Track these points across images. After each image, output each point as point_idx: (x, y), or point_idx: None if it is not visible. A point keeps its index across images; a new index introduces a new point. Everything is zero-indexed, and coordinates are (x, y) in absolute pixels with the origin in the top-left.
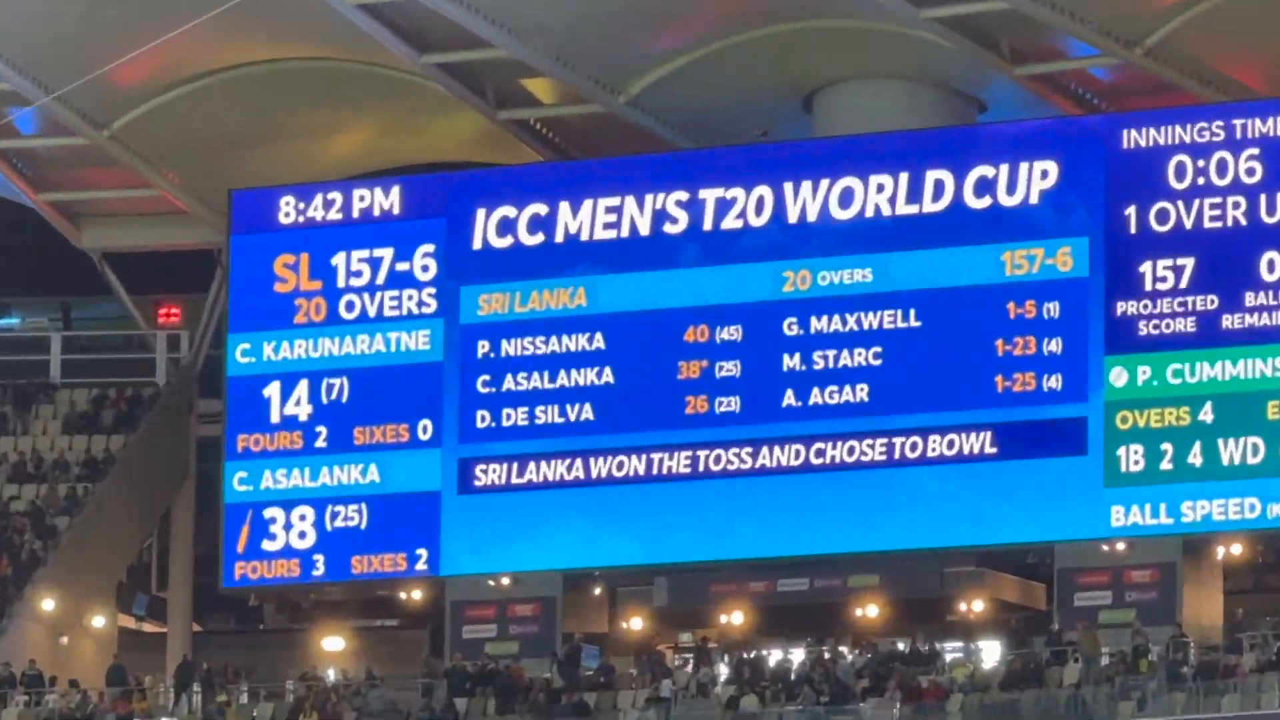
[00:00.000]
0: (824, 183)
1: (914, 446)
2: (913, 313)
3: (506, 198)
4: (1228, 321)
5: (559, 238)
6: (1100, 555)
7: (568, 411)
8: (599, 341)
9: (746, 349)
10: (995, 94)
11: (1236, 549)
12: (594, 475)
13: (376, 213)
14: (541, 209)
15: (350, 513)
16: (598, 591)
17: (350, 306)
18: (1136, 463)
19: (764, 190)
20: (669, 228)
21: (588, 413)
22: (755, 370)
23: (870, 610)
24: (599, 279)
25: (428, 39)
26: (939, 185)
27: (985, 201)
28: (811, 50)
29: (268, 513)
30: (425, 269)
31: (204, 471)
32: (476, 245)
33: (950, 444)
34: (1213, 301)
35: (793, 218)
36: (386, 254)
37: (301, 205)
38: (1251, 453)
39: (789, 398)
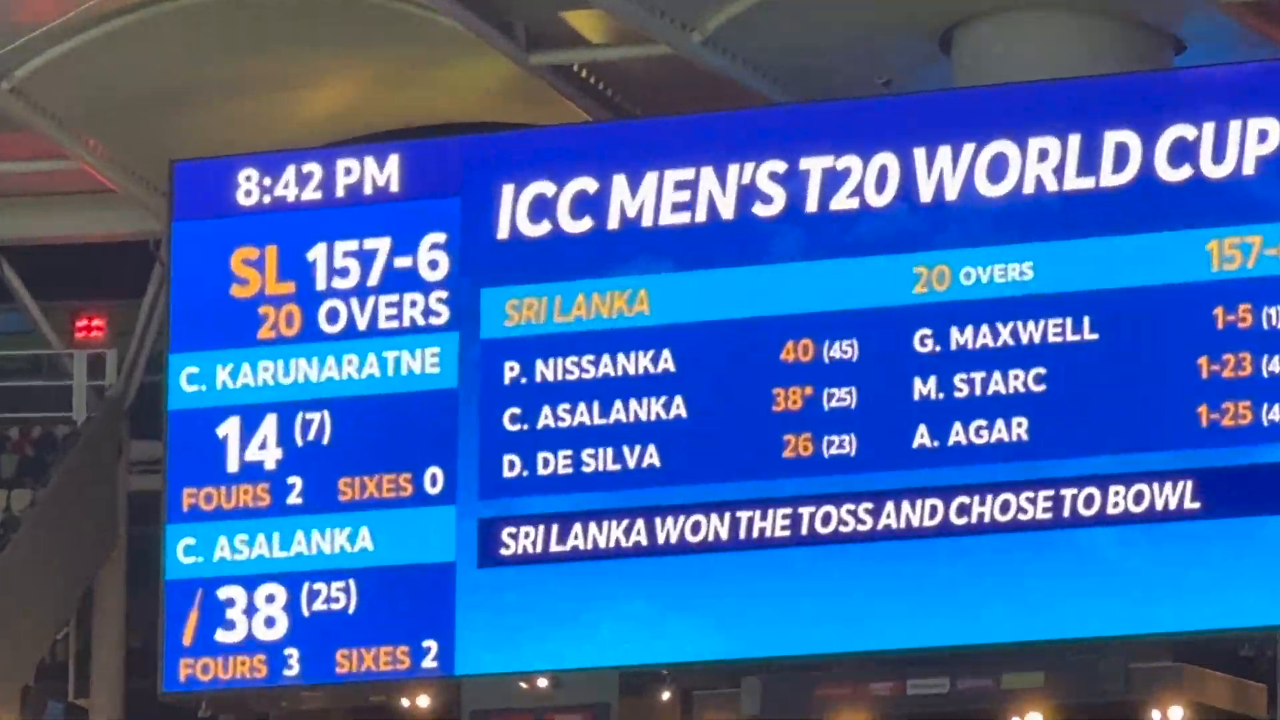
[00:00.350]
0: (967, 148)
1: (1089, 501)
2: (1086, 321)
3: (542, 170)
4: None
5: (613, 223)
6: None
7: (625, 456)
8: (667, 362)
9: (864, 371)
10: (1196, 28)
11: None
12: (660, 541)
13: (368, 190)
14: (589, 185)
15: (335, 592)
16: (667, 696)
17: (333, 316)
18: None
19: (887, 159)
20: (760, 209)
21: (652, 457)
22: (876, 399)
23: (1033, 719)
24: (666, 278)
25: None
26: (1122, 151)
27: (1184, 173)
28: None
29: (224, 592)
30: (434, 265)
31: (137, 537)
32: (502, 234)
33: (1138, 497)
34: None
35: (926, 196)
36: (382, 245)
37: (267, 181)
38: None
39: (921, 436)
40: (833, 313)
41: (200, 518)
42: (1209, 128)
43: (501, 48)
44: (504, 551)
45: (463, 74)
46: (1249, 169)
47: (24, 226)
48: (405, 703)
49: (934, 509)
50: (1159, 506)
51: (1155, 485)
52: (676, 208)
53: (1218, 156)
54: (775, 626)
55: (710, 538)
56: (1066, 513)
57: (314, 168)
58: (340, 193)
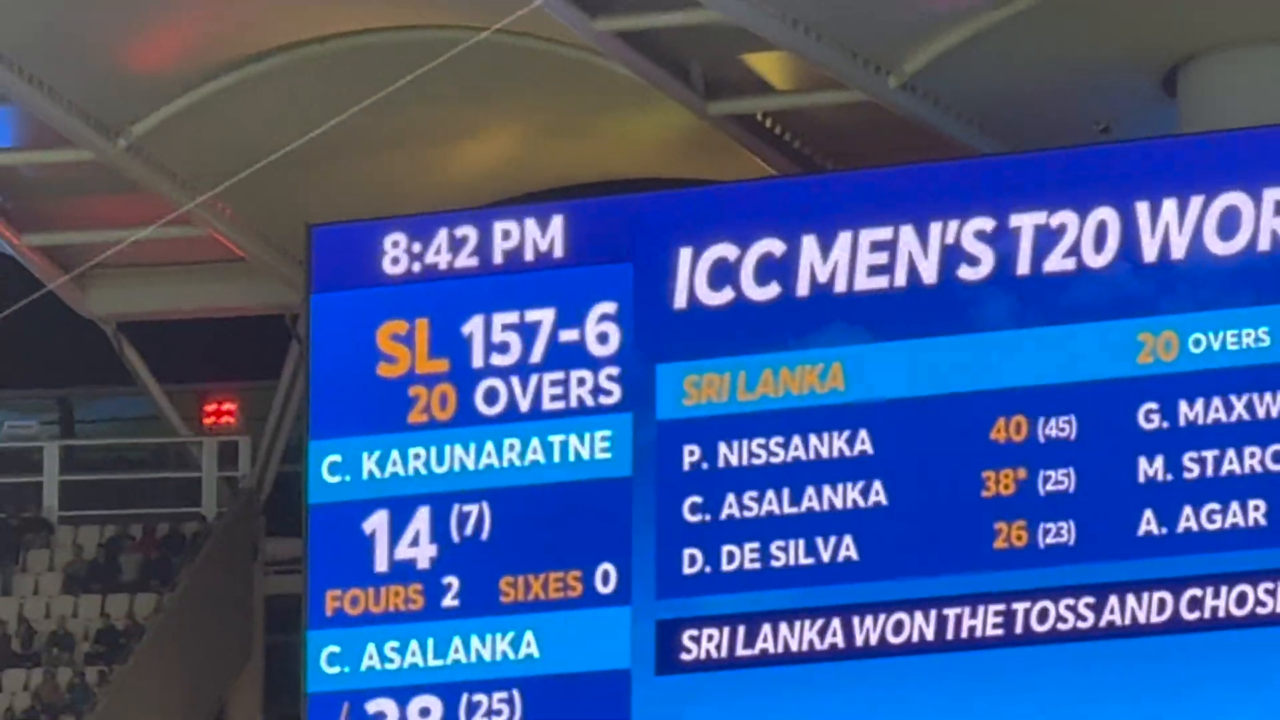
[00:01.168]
0: (1195, 201)
1: None
2: None
3: (723, 231)
4: None
5: (802, 290)
6: None
7: (819, 548)
8: (864, 443)
9: (1084, 451)
10: None
11: None
12: (859, 643)
13: (529, 256)
14: (775, 247)
15: (497, 704)
16: None
17: (492, 397)
18: None
19: (1107, 214)
20: (966, 272)
21: (849, 550)
22: (1097, 482)
23: None
24: (862, 350)
25: None
26: None
27: None
28: (1173, 6)
29: (373, 706)
30: (604, 339)
31: (275, 646)
32: (679, 303)
33: None
34: None
35: (1150, 255)
36: (546, 317)
37: (416, 247)
38: None
39: (1148, 522)
40: (1048, 386)
41: (346, 623)
42: None
43: (677, 95)
44: (685, 657)
45: (634, 125)
46: None
47: (145, 300)
48: None
49: (1163, 603)
50: None
51: None
52: (873, 271)
53: None
54: None
55: (914, 638)
56: None
57: (469, 231)
58: (498, 259)
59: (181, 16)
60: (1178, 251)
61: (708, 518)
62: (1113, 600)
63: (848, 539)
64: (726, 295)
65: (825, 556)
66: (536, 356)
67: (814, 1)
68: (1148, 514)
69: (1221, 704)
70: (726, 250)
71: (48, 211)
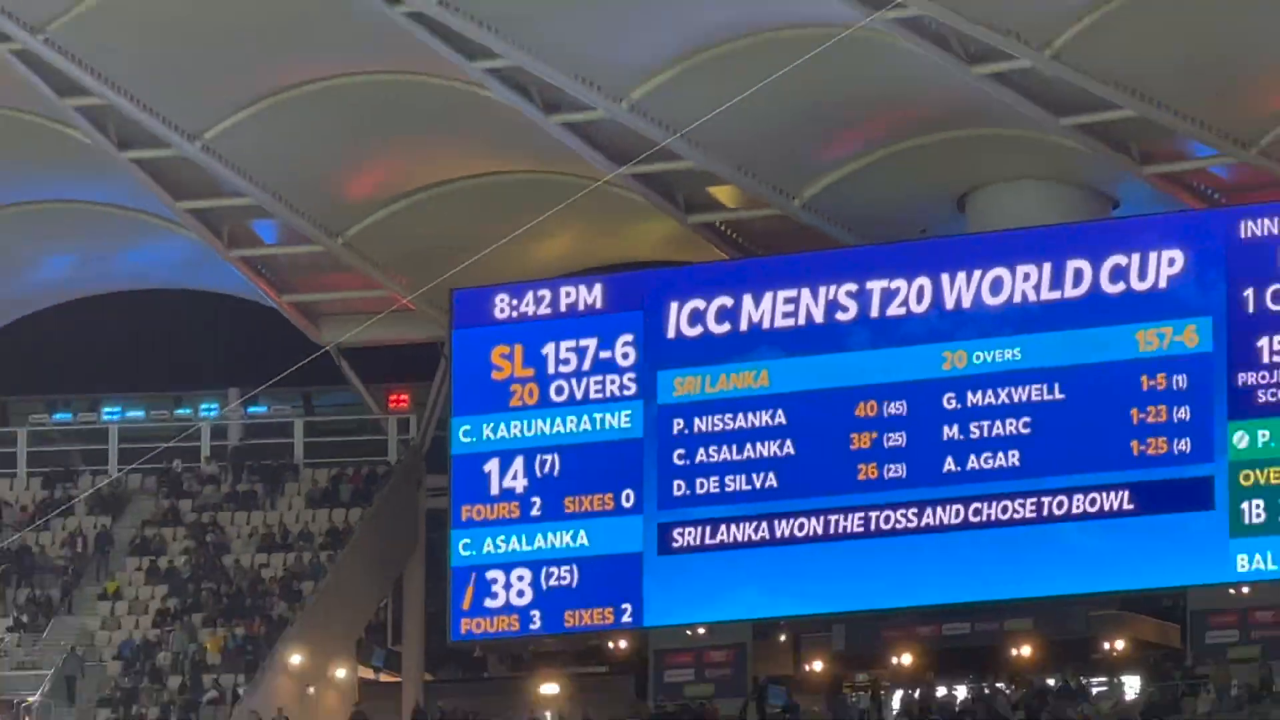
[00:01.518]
0: (977, 273)
1: (1060, 505)
2: (1057, 386)
3: (696, 292)
4: None
5: (743, 326)
6: (1228, 598)
7: (754, 480)
8: (780, 418)
9: (911, 421)
10: (1127, 191)
11: None
12: (778, 536)
13: (581, 307)
14: (727, 301)
15: (563, 573)
16: (783, 638)
17: (560, 391)
18: (1258, 516)
19: (924, 281)
20: (840, 316)
21: (771, 481)
22: (919, 440)
23: (1025, 650)
24: (779, 362)
25: (625, 152)
26: (1078, 273)
27: (1120, 287)
28: (963, 156)
29: (489, 575)
30: (626, 356)
31: (432, 540)
32: (670, 334)
33: (1093, 502)
34: None
35: (950, 304)
36: (591, 343)
37: (515, 302)
38: None
39: (949, 464)
40: (889, 383)
41: (473, 525)
42: (1136, 256)
43: (669, 211)
44: (675, 545)
45: (643, 229)
46: (1163, 284)
47: (354, 333)
48: (610, 645)
49: (958, 512)
50: (1107, 508)
51: (1104, 494)
52: (785, 315)
53: (1143, 275)
54: (854, 591)
55: (810, 534)
56: (1046, 513)
57: (545, 292)
58: (563, 309)
59: (378, 160)
60: (966, 303)
61: (688, 462)
62: (928, 510)
63: (771, 475)
64: (698, 330)
65: (758, 485)
66: (586, 366)
67: (748, 154)
68: (949, 459)
69: (993, 571)
70: (698, 303)
71: (297, 281)
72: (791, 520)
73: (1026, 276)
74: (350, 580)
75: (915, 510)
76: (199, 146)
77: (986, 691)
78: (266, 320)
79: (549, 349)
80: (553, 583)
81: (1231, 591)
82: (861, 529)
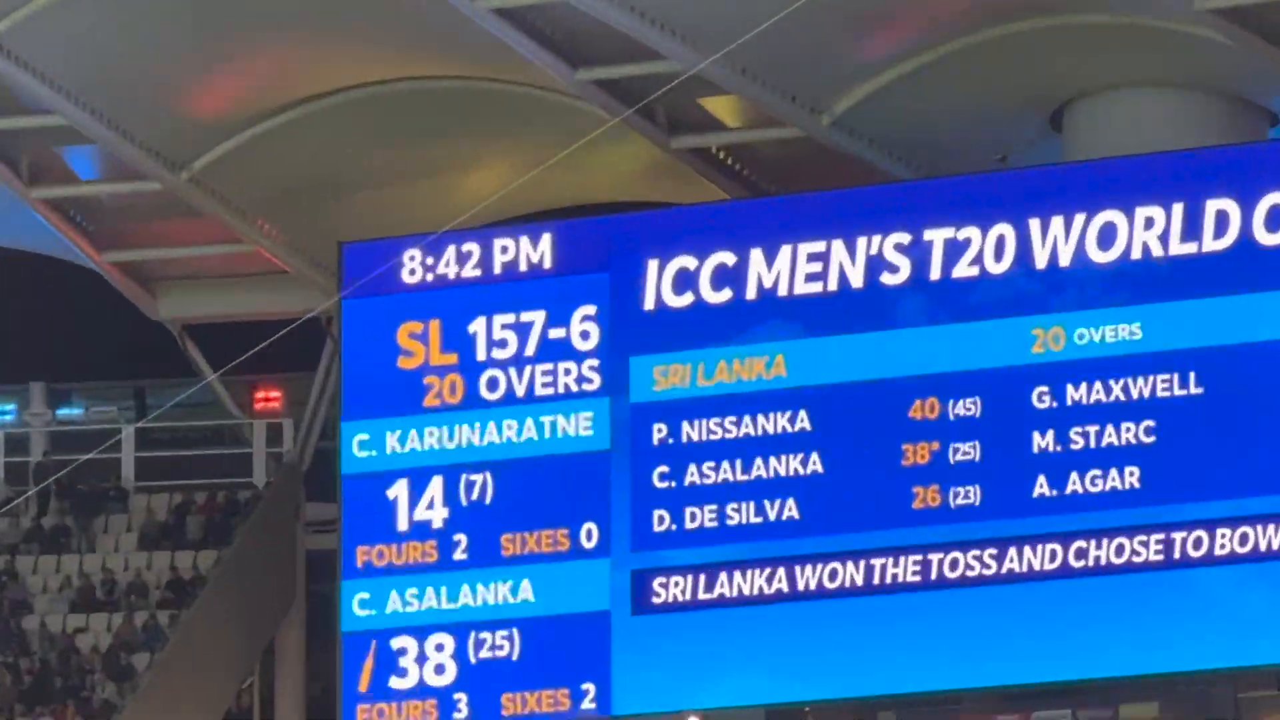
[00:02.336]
0: (1079, 218)
1: (1198, 543)
2: (1193, 377)
3: (684, 245)
4: None
5: (750, 293)
6: None
7: (766, 509)
8: (803, 421)
9: (987, 426)
10: None
11: None
12: (801, 588)
13: (523, 267)
14: (728, 258)
15: (499, 640)
16: None
17: (493, 385)
18: None
19: (1004, 229)
20: (887, 278)
21: (791, 510)
22: (998, 453)
23: None
24: (801, 344)
25: (583, 51)
26: (1222, 218)
27: None
28: (1059, 54)
29: (396, 642)
30: (585, 336)
31: (315, 593)
32: (648, 305)
33: (1243, 539)
34: None
35: (1041, 262)
36: (537, 318)
37: (429, 260)
38: None
39: (1041, 486)
40: (956, 373)
41: (373, 574)
42: None
43: (645, 132)
44: (655, 600)
45: (609, 158)
46: None
47: (204, 306)
48: None
49: (1054, 553)
50: (1264, 547)
51: (1261, 528)
52: (810, 278)
53: None
54: (908, 664)
55: (846, 584)
56: (1178, 555)
57: (473, 247)
58: (498, 270)
59: (238, 66)
60: (1064, 260)
61: (674, 484)
62: (1011, 551)
63: (790, 501)
64: (688, 299)
65: (771, 516)
66: (530, 350)
67: (757, 50)
68: (1040, 479)
69: (1103, 636)
70: (687, 261)
71: (124, 233)
72: (819, 566)
73: (1149, 222)
74: (201, 651)
75: (994, 552)
76: None
77: None
78: (83, 288)
79: (478, 326)
80: (485, 654)
81: None
82: (918, 578)
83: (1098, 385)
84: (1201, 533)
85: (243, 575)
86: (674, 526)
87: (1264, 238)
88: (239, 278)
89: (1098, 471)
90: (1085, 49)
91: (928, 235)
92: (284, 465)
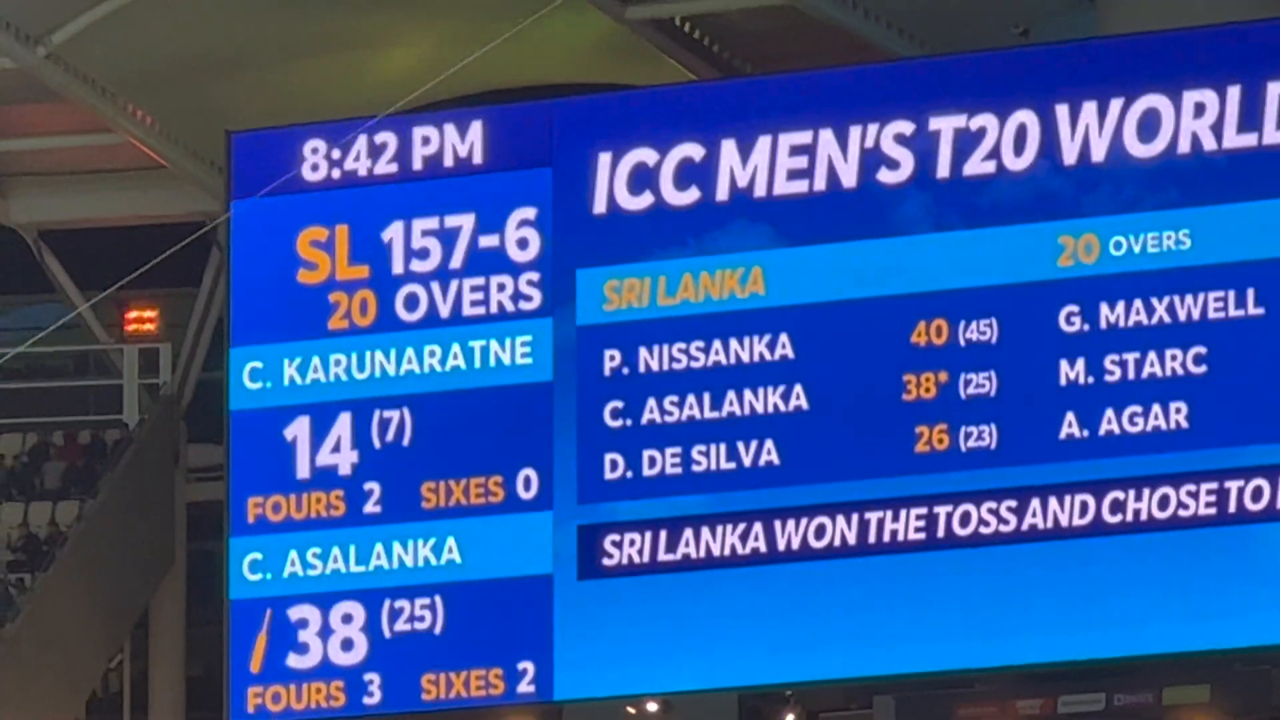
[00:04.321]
0: (1115, 104)
1: (1258, 494)
2: (1251, 295)
3: (642, 136)
4: None
5: (722, 194)
6: None
7: (740, 453)
8: (785, 348)
9: (1005, 354)
10: None
11: None
12: (781, 547)
13: (449, 162)
14: (695, 152)
15: (419, 610)
16: (792, 719)
17: (412, 303)
18: None
19: (1026, 117)
20: (885, 176)
21: (770, 454)
22: (1018, 386)
23: None
24: (782, 255)
25: None
26: None
27: None
28: None
29: (295, 612)
30: (523, 245)
31: (197, 553)
32: (599, 208)
33: None
34: None
35: (1070, 158)
36: (465, 223)
37: (336, 153)
38: None
39: (1069, 425)
40: (968, 290)
41: (267, 530)
42: None
43: (595, 0)
44: (607, 562)
45: (552, 30)
46: None
47: (65, 208)
48: None
49: (1085, 506)
50: None
51: None
52: (792, 175)
53: None
54: (910, 640)
55: (836, 543)
56: (1233, 507)
57: (388, 138)
58: (418, 165)
59: None
60: (1098, 154)
61: (628, 422)
62: (1034, 504)
63: (769, 443)
64: (646, 200)
65: (746, 461)
66: (456, 262)
67: None
68: (1069, 417)
69: (1143, 606)
70: (646, 155)
71: None
72: (803, 522)
73: (1199, 109)
74: (62, 623)
75: (1013, 504)
76: None
77: None
78: None
79: (394, 233)
80: (402, 626)
81: None
82: (922, 536)
83: (1138, 305)
84: (1262, 481)
85: (110, 532)
86: (629, 474)
87: None
88: (106, 174)
89: (1137, 408)
90: None
91: (934, 124)
92: (160, 400)
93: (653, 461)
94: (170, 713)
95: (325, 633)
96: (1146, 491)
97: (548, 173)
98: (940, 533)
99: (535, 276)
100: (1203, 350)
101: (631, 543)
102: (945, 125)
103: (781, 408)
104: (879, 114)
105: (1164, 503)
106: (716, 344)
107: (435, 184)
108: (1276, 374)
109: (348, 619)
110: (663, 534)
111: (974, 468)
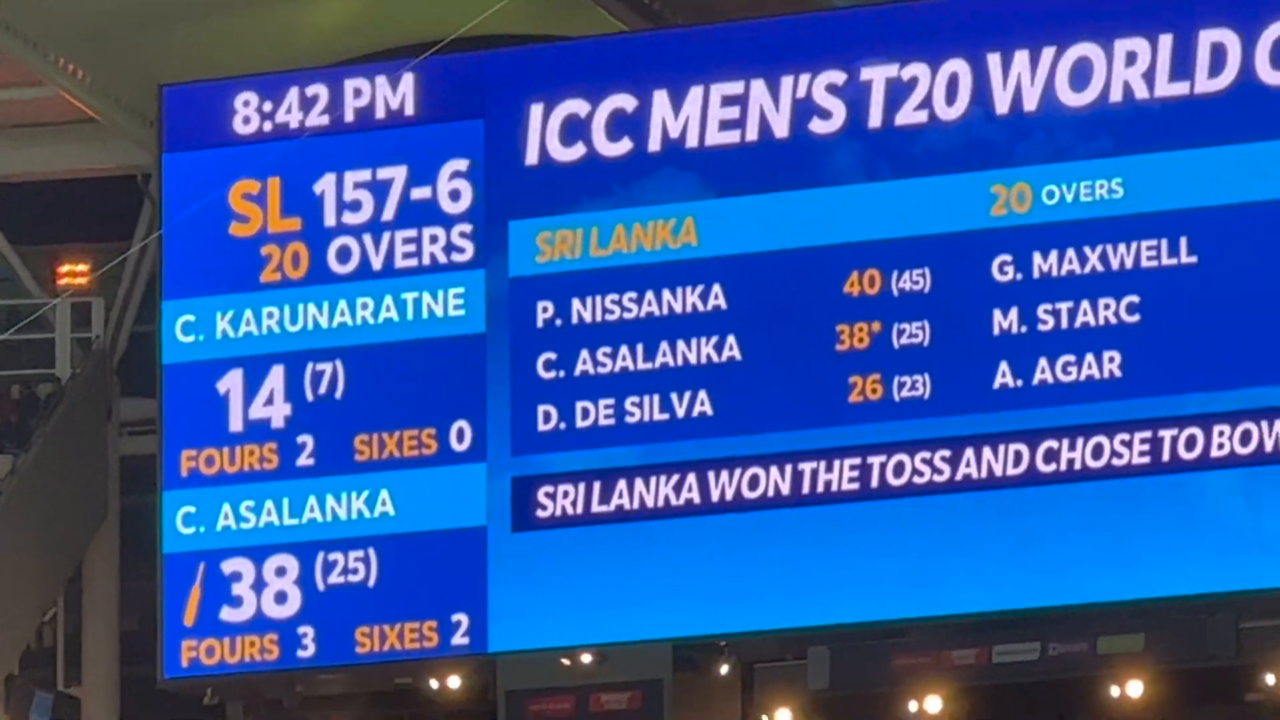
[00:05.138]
0: (1046, 52)
1: (1191, 442)
2: (1184, 243)
3: (573, 87)
4: None
5: (654, 145)
6: None
7: (673, 404)
8: (717, 299)
9: (938, 304)
10: None
11: None
12: (715, 498)
13: (380, 114)
14: (627, 103)
15: (353, 563)
16: (725, 671)
17: (345, 256)
18: None
19: (958, 65)
20: (818, 126)
21: (704, 405)
22: (952, 335)
23: (1132, 688)
24: (714, 205)
25: None
26: (1219, 52)
27: None
28: None
29: (229, 566)
30: (455, 196)
31: (130, 507)
32: (531, 159)
33: (1245, 437)
34: None
35: (1002, 106)
36: (398, 175)
37: (267, 106)
38: None
39: (1003, 375)
40: (901, 239)
41: (200, 483)
42: None
43: None
44: (541, 514)
45: None
46: None
47: None
48: (434, 684)
49: (1018, 455)
50: (1269, 447)
51: (1265, 424)
52: (724, 126)
53: None
54: (844, 590)
55: (770, 493)
56: (1166, 456)
57: (319, 90)
58: (350, 117)
59: None
60: (1030, 103)
61: (561, 374)
62: (968, 453)
63: (702, 394)
64: (578, 151)
65: (680, 412)
66: (389, 214)
67: None
68: (1003, 366)
69: (1077, 556)
70: (577, 106)
71: None
72: (737, 472)
73: (1131, 57)
74: None
75: (946, 454)
76: None
77: None
78: None
79: (326, 185)
80: (336, 579)
81: None
82: (856, 486)
83: (1070, 254)
84: (1195, 430)
85: (42, 486)
86: (562, 425)
87: (1269, 76)
88: (36, 128)
89: (1071, 358)
90: None
91: (865, 74)
92: (93, 353)
93: (586, 413)
94: (104, 666)
95: (259, 586)
96: (1080, 441)
97: (480, 125)
98: (874, 483)
99: (468, 228)
100: (1136, 299)
101: (565, 494)
102: (877, 75)
103: (714, 359)
104: (811, 64)
105: (1098, 452)
106: (649, 295)
107: (367, 136)
108: (1209, 323)
109: (281, 572)
110: (596, 485)
111: (908, 418)
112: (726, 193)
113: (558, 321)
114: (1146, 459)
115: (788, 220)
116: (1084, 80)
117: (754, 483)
